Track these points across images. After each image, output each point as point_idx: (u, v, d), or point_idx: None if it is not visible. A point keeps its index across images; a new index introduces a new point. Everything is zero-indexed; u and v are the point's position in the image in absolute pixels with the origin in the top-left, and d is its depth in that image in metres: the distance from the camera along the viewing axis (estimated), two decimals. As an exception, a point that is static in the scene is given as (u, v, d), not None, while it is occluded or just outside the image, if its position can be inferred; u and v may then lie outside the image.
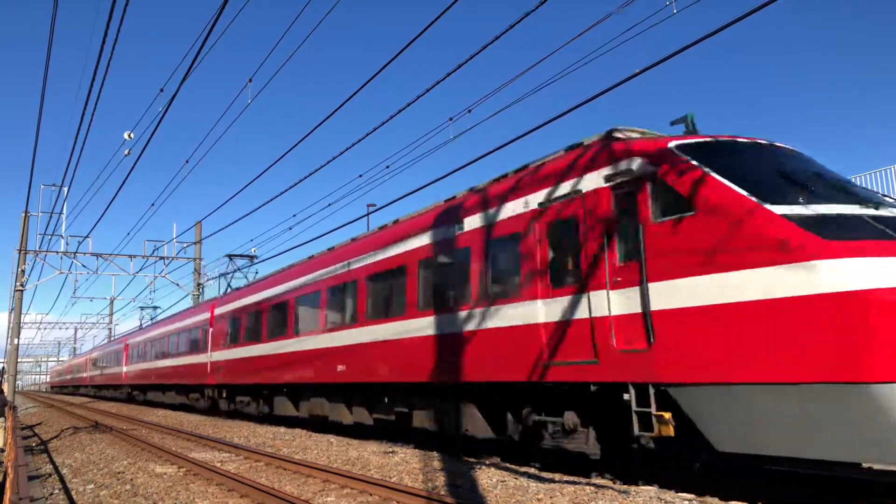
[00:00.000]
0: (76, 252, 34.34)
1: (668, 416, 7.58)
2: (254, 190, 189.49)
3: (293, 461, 11.52)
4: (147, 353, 36.14)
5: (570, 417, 9.35)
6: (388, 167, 17.66)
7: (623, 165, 8.53)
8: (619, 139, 9.03)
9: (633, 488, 8.26)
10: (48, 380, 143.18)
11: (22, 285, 32.27)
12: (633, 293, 8.11)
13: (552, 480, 8.93)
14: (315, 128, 13.14)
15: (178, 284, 37.27)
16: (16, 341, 32.12)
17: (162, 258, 36.29)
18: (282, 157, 15.73)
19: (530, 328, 9.64)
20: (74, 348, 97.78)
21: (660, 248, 7.83)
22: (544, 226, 9.74)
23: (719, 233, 7.17)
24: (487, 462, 10.95)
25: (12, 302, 33.95)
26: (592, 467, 9.62)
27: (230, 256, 28.36)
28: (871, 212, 6.98)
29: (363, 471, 10.66)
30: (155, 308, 53.74)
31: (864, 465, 7.26)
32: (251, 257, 28.46)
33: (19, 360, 39.03)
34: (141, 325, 49.08)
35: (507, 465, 10.68)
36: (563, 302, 9.15)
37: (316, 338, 16.46)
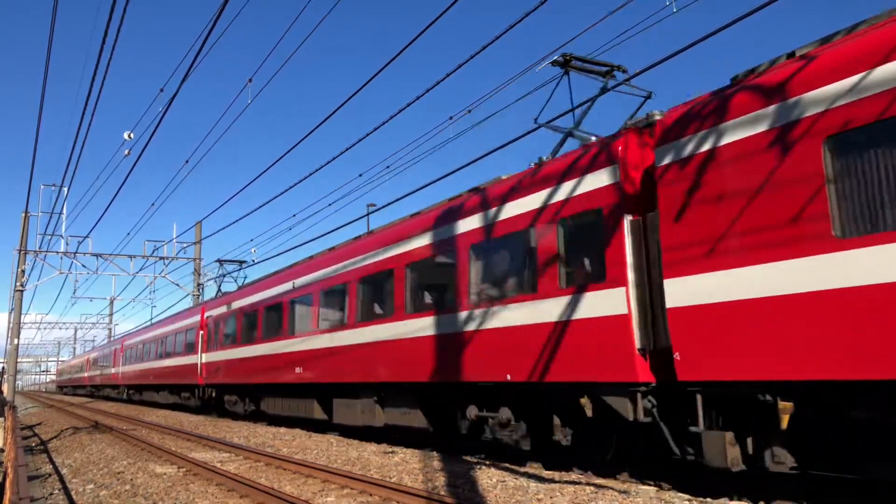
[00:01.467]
0: (76, 252, 34.33)
1: None
2: (254, 190, 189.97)
3: (293, 461, 11.51)
4: (274, 324, 19.55)
5: None
6: (388, 167, 17.72)
7: None
8: None
9: (633, 488, 8.26)
10: (49, 379, 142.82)
11: (22, 285, 32.27)
12: None
13: (552, 480, 8.93)
14: (315, 128, 13.13)
15: (178, 284, 37.28)
16: (16, 341, 32.10)
17: (162, 258, 36.28)
18: (282, 157, 15.72)
19: None
20: (74, 348, 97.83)
21: None
22: None
23: None
24: (487, 462, 10.95)
25: (12, 302, 33.95)
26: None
27: None
28: None
29: (363, 471, 10.66)
30: (241, 263, 30.29)
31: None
32: None
33: (19, 360, 39.03)
34: (220, 290, 29.73)
35: (507, 465, 10.68)
36: None
37: None
